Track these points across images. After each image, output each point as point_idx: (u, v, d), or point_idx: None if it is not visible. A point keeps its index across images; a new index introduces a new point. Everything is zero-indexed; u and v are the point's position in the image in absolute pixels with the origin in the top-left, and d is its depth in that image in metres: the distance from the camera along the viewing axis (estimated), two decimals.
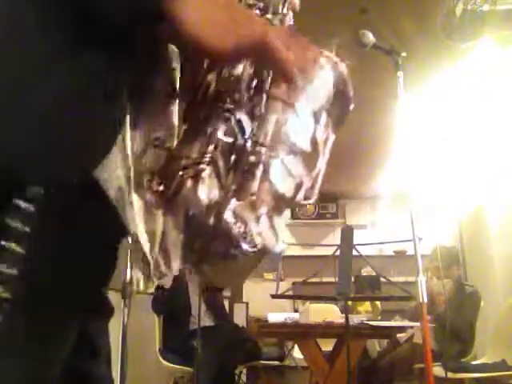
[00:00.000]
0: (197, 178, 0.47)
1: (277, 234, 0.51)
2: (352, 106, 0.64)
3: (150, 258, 0.50)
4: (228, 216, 0.47)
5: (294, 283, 3.67)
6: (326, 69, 0.62)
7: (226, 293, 4.13)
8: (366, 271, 4.79)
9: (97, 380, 0.64)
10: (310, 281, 2.83)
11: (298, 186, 0.54)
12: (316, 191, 0.56)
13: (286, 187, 0.52)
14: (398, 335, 3.53)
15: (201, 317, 2.84)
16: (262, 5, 0.60)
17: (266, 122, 0.54)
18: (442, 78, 3.33)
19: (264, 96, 0.54)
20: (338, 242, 2.60)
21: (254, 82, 0.55)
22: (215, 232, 0.47)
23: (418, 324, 2.73)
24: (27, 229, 0.44)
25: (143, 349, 3.26)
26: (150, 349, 3.20)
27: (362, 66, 3.05)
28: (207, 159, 0.48)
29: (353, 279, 3.63)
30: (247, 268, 0.55)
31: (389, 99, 2.14)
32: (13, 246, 0.43)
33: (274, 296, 2.88)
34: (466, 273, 4.71)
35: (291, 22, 0.64)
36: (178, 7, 0.45)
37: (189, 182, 0.47)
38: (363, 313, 4.54)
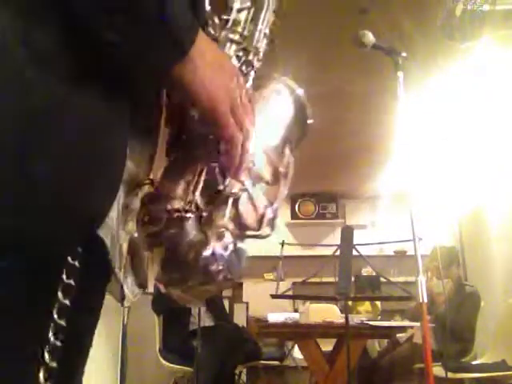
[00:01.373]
0: (182, 220, 0.51)
1: (239, 261, 0.54)
2: (306, 133, 0.67)
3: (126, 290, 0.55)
4: (207, 255, 0.51)
5: (294, 283, 3.66)
6: (285, 96, 0.65)
7: (226, 293, 4.13)
8: (366, 271, 4.79)
9: None
10: (309, 281, 2.83)
11: (261, 217, 0.56)
12: (275, 222, 0.58)
13: (250, 218, 0.55)
14: (398, 335, 3.53)
15: (201, 317, 2.84)
16: (244, 45, 0.62)
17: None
18: (442, 77, 3.33)
19: None
20: (338, 242, 2.60)
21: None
22: (194, 268, 0.51)
23: (418, 324, 2.73)
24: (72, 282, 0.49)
25: (143, 349, 3.26)
26: (150, 349, 3.20)
27: (362, 66, 3.06)
28: (193, 207, 0.52)
29: (353, 279, 3.64)
30: (208, 292, 0.57)
31: (389, 99, 2.14)
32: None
33: (273, 296, 2.88)
34: (466, 273, 4.71)
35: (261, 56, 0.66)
36: (187, 78, 0.50)
37: (174, 223, 0.51)
38: (363, 313, 4.54)
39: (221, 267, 0.51)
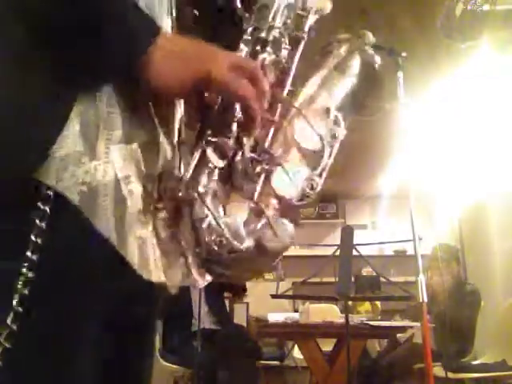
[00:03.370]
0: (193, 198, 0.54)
1: (277, 236, 0.55)
2: (381, 97, 0.69)
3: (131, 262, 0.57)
4: (205, 225, 0.53)
5: (294, 283, 3.67)
6: (352, 57, 0.68)
7: (226, 293, 4.12)
8: (366, 271, 4.79)
9: None
10: (310, 281, 2.83)
11: (297, 187, 0.59)
12: (317, 190, 0.60)
13: (287, 191, 0.58)
14: (398, 335, 3.53)
15: (202, 318, 2.84)
16: (254, 24, 0.64)
17: (276, 130, 0.60)
18: (442, 77, 3.33)
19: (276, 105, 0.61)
20: (338, 242, 2.60)
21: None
22: (199, 239, 0.54)
23: (418, 324, 2.73)
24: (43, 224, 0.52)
25: None
26: None
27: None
28: (203, 182, 0.55)
29: (353, 278, 3.64)
30: (257, 266, 0.60)
31: (389, 99, 2.14)
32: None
33: (273, 296, 2.89)
34: (467, 272, 4.71)
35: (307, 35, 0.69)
36: (148, 72, 0.56)
37: (188, 202, 0.54)
38: (363, 313, 4.54)
39: (218, 238, 0.52)
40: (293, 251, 5.21)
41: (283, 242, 0.55)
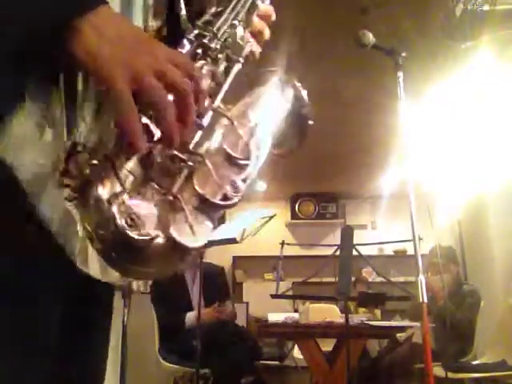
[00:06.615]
0: (97, 175, 0.50)
1: (194, 232, 0.53)
2: (310, 123, 0.69)
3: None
4: (114, 209, 0.49)
5: (294, 283, 3.67)
6: (279, 88, 0.66)
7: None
8: (366, 271, 4.79)
9: None
10: (310, 281, 2.83)
11: (220, 188, 0.56)
12: (239, 194, 0.57)
13: (208, 190, 0.55)
14: (398, 335, 3.53)
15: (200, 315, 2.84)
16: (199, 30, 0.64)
17: (205, 133, 0.58)
18: (442, 77, 3.33)
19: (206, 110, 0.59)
20: (338, 242, 2.60)
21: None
22: (108, 225, 0.49)
23: (418, 324, 2.73)
24: None
25: (143, 349, 3.25)
26: (150, 349, 3.20)
27: (362, 67, 3.06)
28: (104, 157, 0.51)
29: (356, 286, 3.62)
30: (164, 263, 0.54)
31: (389, 99, 2.14)
32: None
33: (273, 296, 2.89)
34: (467, 272, 4.71)
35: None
36: (89, 56, 0.50)
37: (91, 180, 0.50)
38: (361, 314, 4.54)
39: (129, 221, 0.49)
40: (293, 251, 5.22)
41: (199, 240, 0.52)
